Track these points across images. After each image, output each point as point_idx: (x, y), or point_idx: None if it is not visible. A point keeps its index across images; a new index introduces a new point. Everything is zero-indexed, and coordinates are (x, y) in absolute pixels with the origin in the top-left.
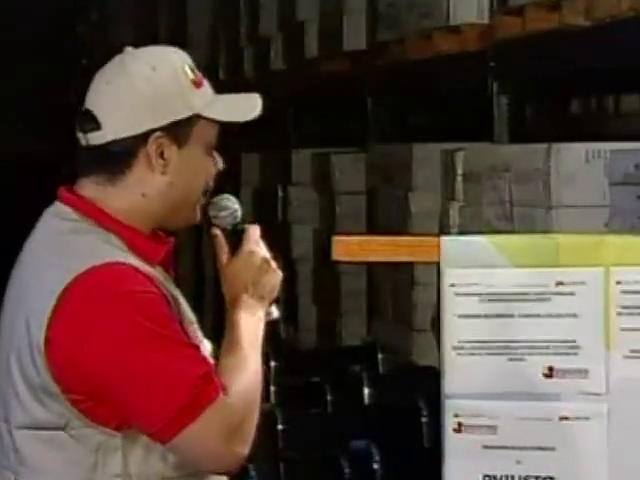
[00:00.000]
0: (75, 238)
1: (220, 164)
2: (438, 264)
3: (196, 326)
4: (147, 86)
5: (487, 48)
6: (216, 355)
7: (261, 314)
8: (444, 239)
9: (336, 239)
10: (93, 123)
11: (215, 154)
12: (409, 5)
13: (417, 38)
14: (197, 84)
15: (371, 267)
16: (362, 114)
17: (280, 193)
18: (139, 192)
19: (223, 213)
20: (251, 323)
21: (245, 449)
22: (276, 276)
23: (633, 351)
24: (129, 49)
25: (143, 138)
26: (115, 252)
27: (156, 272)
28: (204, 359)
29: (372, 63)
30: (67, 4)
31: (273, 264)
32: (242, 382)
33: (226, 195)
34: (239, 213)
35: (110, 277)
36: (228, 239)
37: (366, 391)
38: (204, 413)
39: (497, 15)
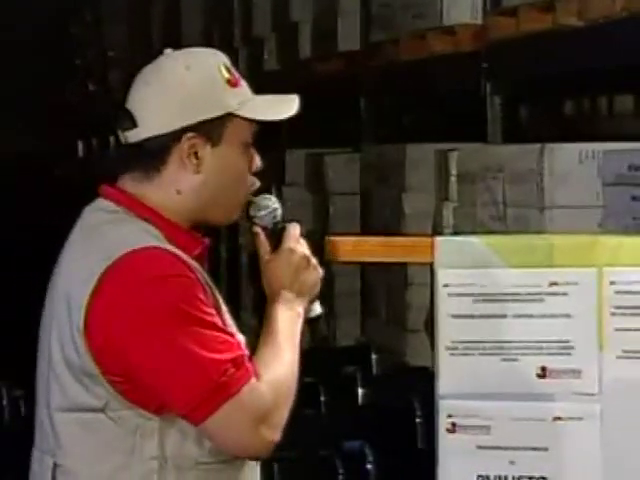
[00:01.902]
0: (114, 227)
1: (258, 163)
2: (432, 264)
3: (229, 317)
4: (180, 85)
5: (481, 48)
6: (252, 348)
7: (300, 310)
8: (438, 239)
9: (330, 240)
10: (130, 121)
11: (254, 152)
12: (403, 6)
13: (411, 38)
14: (233, 84)
15: (365, 268)
16: (356, 114)
17: (274, 193)
18: (174, 189)
19: (263, 212)
20: (288, 317)
21: (275, 436)
22: (316, 273)
23: (626, 351)
24: (168, 51)
25: (176, 137)
26: (152, 240)
27: (194, 262)
28: (238, 344)
29: (366, 64)
30: (61, 5)
31: (313, 261)
32: (275, 371)
33: (267, 195)
34: (279, 212)
35: (146, 261)
36: (269, 237)
37: (360, 391)
38: (235, 396)
39: (491, 16)
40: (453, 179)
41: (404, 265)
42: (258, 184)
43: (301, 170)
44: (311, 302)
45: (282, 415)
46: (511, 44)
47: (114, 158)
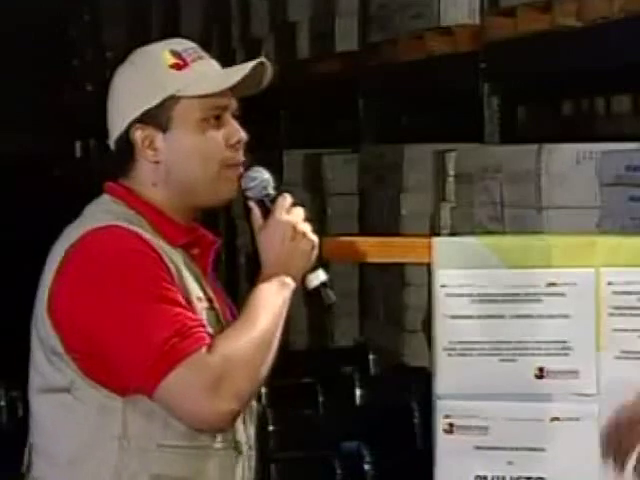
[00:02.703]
0: (90, 214)
1: (240, 134)
2: (430, 265)
3: (207, 306)
4: (123, 83)
5: (479, 49)
6: None
7: (287, 279)
8: (435, 240)
9: (328, 240)
10: (106, 128)
11: (232, 125)
12: (401, 6)
13: (408, 39)
14: (179, 66)
15: (363, 268)
16: (354, 115)
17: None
18: (149, 183)
19: (252, 184)
20: (269, 287)
21: (228, 406)
22: (306, 242)
23: (624, 352)
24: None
25: (127, 132)
26: (120, 222)
27: (171, 249)
28: (192, 317)
29: (364, 64)
30: (59, 5)
31: (302, 229)
32: (233, 341)
33: (257, 167)
34: (270, 183)
35: (104, 237)
36: (262, 210)
37: (358, 392)
38: (181, 363)
39: (488, 16)
40: (451, 179)
41: (402, 265)
42: (239, 157)
43: (299, 170)
44: (312, 270)
45: (237, 385)
46: (509, 44)
47: (104, 163)
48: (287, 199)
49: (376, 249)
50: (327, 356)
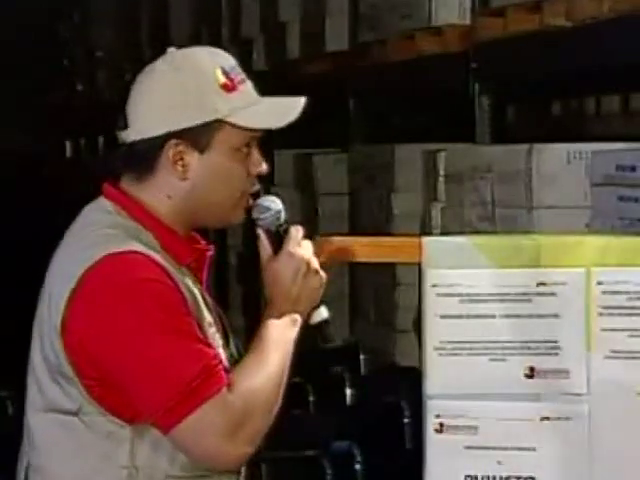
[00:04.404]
0: (100, 229)
1: (262, 166)
2: (420, 265)
3: (215, 330)
4: (166, 88)
5: (469, 49)
6: (243, 348)
7: (296, 316)
8: (426, 240)
9: (318, 240)
10: (123, 121)
11: (257, 155)
12: (391, 6)
13: (399, 39)
14: (228, 88)
15: (353, 268)
16: (344, 115)
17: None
18: (164, 194)
19: (266, 214)
20: (281, 324)
21: (247, 449)
22: (317, 278)
23: (614, 351)
24: (172, 49)
25: (160, 142)
26: (135, 244)
27: (178, 270)
28: (212, 354)
29: (354, 64)
30: (48, 5)
31: (314, 265)
32: (252, 381)
33: (270, 197)
34: (282, 214)
35: (124, 264)
36: (271, 239)
37: (348, 392)
38: (203, 405)
39: (478, 16)
40: (441, 179)
41: (392, 265)
42: (257, 187)
43: (290, 170)
44: (316, 307)
45: (255, 427)
46: (499, 45)
47: (110, 156)
48: (300, 232)
49: (367, 249)
50: (317, 356)
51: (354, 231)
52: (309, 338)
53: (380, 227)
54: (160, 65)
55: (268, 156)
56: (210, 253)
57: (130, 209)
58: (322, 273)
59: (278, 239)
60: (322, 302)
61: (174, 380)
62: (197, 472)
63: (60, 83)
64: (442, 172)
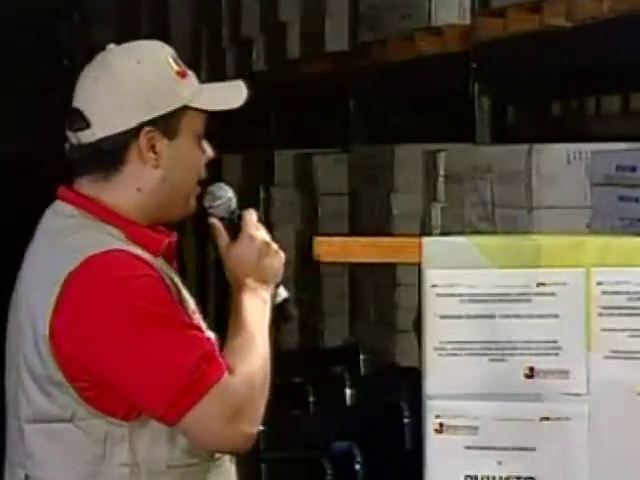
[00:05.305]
0: (75, 232)
1: (210, 152)
2: (420, 265)
3: (198, 316)
4: (133, 80)
5: (469, 49)
6: (221, 343)
7: (266, 296)
8: (426, 240)
9: (318, 240)
10: (82, 122)
11: (204, 143)
12: (391, 6)
13: (399, 39)
14: (182, 75)
15: (353, 268)
16: (344, 115)
17: (262, 194)
18: (134, 187)
19: (218, 202)
20: (256, 306)
21: (252, 429)
22: (278, 258)
23: (614, 352)
24: (111, 46)
25: (134, 133)
26: (114, 242)
27: (157, 261)
28: (207, 340)
29: (354, 64)
30: (49, 5)
31: (274, 246)
32: (247, 363)
33: (219, 184)
34: (234, 200)
35: (108, 264)
36: (226, 226)
37: (348, 392)
38: (208, 393)
39: (478, 16)
40: (441, 179)
41: (392, 266)
42: (204, 175)
43: (290, 171)
44: (276, 287)
45: (258, 407)
46: (499, 45)
47: (68, 159)
48: (253, 215)
49: (367, 249)
50: (317, 356)
51: (354, 231)
52: (309, 338)
53: (380, 227)
54: (115, 59)
55: (268, 156)
56: (174, 239)
57: (94, 210)
58: (281, 253)
59: (233, 225)
60: (280, 283)
61: (175, 373)
62: (196, 459)
63: (60, 83)
64: (442, 172)
